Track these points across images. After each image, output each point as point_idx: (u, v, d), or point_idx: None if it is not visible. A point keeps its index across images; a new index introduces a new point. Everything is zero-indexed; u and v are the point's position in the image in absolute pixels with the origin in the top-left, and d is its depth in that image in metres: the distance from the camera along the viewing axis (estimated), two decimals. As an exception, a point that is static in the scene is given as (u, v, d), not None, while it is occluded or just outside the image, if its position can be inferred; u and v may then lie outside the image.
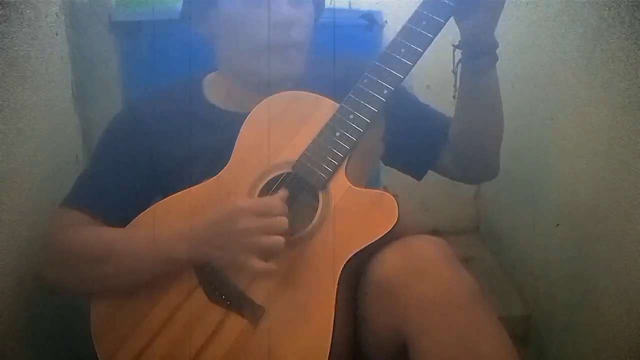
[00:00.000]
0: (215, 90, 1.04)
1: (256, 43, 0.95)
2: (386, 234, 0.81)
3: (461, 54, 0.91)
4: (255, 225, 0.81)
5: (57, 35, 1.21)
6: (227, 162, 0.92)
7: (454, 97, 0.95)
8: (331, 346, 0.79)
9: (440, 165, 1.07)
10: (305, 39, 0.98)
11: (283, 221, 0.81)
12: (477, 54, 0.90)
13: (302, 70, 0.99)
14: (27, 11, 1.05)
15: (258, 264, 0.81)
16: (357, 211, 0.84)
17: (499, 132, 1.00)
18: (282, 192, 0.85)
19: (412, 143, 1.05)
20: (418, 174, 1.09)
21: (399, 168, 1.11)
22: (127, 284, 0.89)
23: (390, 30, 1.36)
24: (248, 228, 0.81)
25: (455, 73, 0.93)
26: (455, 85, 0.94)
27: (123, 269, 0.89)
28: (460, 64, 0.92)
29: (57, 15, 1.21)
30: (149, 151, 0.99)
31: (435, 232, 0.85)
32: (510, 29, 1.33)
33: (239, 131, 0.93)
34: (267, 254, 0.81)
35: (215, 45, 1.03)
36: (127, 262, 0.89)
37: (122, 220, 0.92)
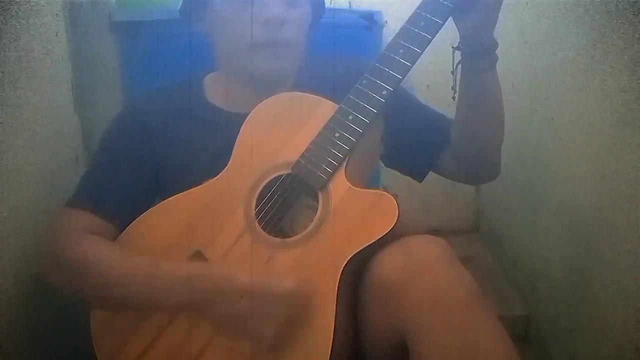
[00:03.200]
0: (215, 90, 1.04)
1: (248, 40, 0.95)
2: (386, 234, 0.81)
3: (461, 55, 0.91)
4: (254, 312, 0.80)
5: (57, 35, 1.21)
6: (227, 161, 0.92)
7: (453, 98, 0.95)
8: (332, 346, 0.79)
9: (441, 167, 1.07)
10: (298, 39, 0.98)
11: (285, 316, 0.80)
12: (477, 55, 0.90)
13: (293, 70, 0.99)
14: (27, 11, 1.05)
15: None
16: (356, 212, 0.84)
17: (499, 133, 1.00)
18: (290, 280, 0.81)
19: (412, 145, 1.05)
20: (419, 176, 1.09)
21: (400, 170, 1.11)
22: (122, 308, 0.89)
23: (390, 30, 1.36)
24: (244, 313, 0.80)
25: (454, 74, 0.92)
26: (453, 87, 0.93)
27: (118, 298, 0.88)
28: (459, 65, 0.92)
29: (57, 15, 1.21)
30: (150, 150, 0.99)
31: (435, 232, 0.85)
32: (511, 29, 1.33)
33: (238, 131, 0.93)
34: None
35: (213, 44, 1.03)
36: (122, 294, 0.87)
37: (126, 218, 0.92)
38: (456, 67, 0.92)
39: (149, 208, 0.93)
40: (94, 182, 0.99)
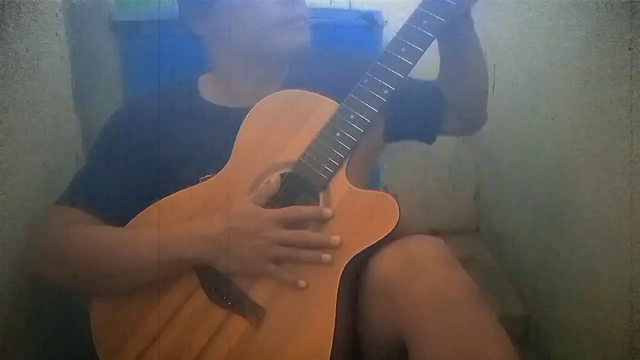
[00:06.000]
0: (210, 88, 1.05)
1: (275, 18, 0.96)
2: (387, 235, 0.81)
3: None
4: (295, 238, 0.83)
5: (57, 35, 1.20)
6: (225, 158, 0.92)
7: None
8: (333, 347, 0.79)
9: (447, 125, 1.11)
10: (308, 14, 1.00)
11: (323, 239, 0.83)
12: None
13: (311, 43, 1.00)
14: (27, 11, 1.05)
15: (291, 277, 0.83)
16: (358, 212, 0.84)
17: (483, 76, 1.06)
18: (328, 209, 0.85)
19: (415, 117, 1.08)
20: (428, 140, 1.13)
21: (406, 139, 1.13)
22: (128, 285, 0.89)
23: (390, 30, 1.36)
24: (284, 239, 0.83)
25: None
26: None
27: (125, 268, 0.89)
28: None
29: (57, 15, 1.21)
30: (145, 149, 0.99)
31: (435, 232, 0.85)
32: (510, 29, 1.33)
33: (234, 126, 0.93)
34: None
35: (209, 45, 1.04)
36: (130, 262, 0.88)
37: (119, 219, 0.92)
38: None
39: (142, 208, 0.92)
40: (85, 181, 0.99)
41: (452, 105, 1.08)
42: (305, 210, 0.85)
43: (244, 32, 0.99)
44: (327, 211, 0.84)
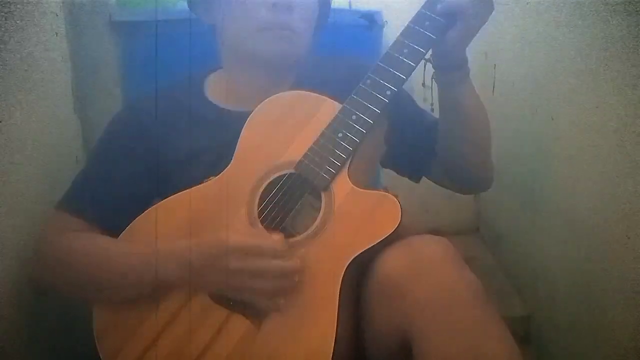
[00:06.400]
0: (217, 88, 1.04)
1: (257, 23, 0.95)
2: (389, 235, 0.81)
3: (432, 68, 0.92)
4: (253, 268, 0.81)
5: (57, 35, 1.20)
6: (228, 161, 0.91)
7: (432, 110, 0.97)
8: (334, 347, 0.79)
9: (433, 174, 1.08)
10: (304, 28, 0.98)
11: (280, 266, 0.82)
12: (447, 68, 0.91)
13: (295, 58, 0.99)
14: (27, 11, 1.05)
15: (263, 303, 0.83)
16: (359, 212, 0.84)
17: (484, 143, 1.00)
18: (277, 235, 0.85)
19: (407, 149, 1.06)
20: (414, 179, 1.10)
21: (395, 171, 1.11)
22: (120, 297, 0.89)
23: (390, 30, 1.36)
24: (242, 270, 0.81)
25: (424, 85, 0.94)
26: (432, 98, 0.95)
27: (114, 282, 0.88)
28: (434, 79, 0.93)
29: (57, 15, 1.21)
30: (148, 151, 0.98)
31: (435, 232, 0.85)
32: (511, 29, 1.33)
33: (239, 130, 0.93)
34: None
35: (218, 38, 1.03)
36: (119, 277, 0.88)
37: (119, 226, 0.91)
38: (431, 79, 0.93)
39: (146, 209, 0.92)
40: (86, 187, 0.99)
41: (439, 159, 1.04)
42: (265, 244, 0.83)
43: (232, 30, 0.99)
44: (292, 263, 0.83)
